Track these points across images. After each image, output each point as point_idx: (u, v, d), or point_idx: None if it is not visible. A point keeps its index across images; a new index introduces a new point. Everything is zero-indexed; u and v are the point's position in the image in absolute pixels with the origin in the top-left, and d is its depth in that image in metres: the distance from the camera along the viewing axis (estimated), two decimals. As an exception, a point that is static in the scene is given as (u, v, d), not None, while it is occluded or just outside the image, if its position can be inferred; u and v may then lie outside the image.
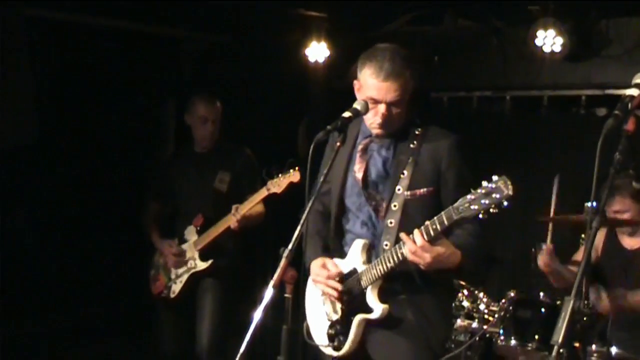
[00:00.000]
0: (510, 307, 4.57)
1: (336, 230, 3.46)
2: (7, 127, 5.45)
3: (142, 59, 6.56)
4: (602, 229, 4.66)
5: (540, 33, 5.67)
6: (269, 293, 2.90)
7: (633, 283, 4.54)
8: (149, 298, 5.20)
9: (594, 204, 2.47)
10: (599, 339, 4.27)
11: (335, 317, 3.35)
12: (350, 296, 3.31)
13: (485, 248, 3.38)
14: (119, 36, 6.35)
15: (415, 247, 3.03)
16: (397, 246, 3.13)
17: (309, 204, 3.06)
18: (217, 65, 6.95)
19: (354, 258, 3.32)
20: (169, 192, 5.22)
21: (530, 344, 4.43)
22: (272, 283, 2.91)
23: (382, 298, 3.23)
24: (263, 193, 4.77)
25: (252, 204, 4.84)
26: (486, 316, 4.78)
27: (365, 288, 3.25)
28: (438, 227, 3.01)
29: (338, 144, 3.19)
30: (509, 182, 2.86)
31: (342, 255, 3.41)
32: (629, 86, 2.60)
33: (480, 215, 2.89)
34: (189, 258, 5.04)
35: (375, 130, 3.30)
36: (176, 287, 5.07)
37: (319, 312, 3.44)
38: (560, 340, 2.31)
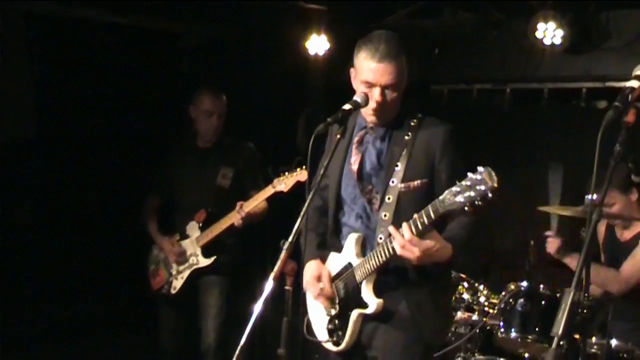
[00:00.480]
0: (510, 300, 4.56)
1: (333, 223, 3.46)
2: (6, 121, 5.46)
3: (141, 53, 6.55)
4: (604, 222, 4.66)
5: (541, 25, 5.66)
6: (269, 285, 2.90)
7: None
8: (150, 293, 5.21)
9: (594, 196, 2.46)
10: (599, 331, 4.28)
11: (333, 312, 3.36)
12: (346, 291, 3.31)
13: (478, 240, 3.34)
14: (117, 30, 6.34)
15: (403, 241, 3.02)
16: (387, 240, 3.13)
17: (309, 197, 3.06)
18: (216, 59, 6.94)
19: (349, 252, 3.33)
20: (169, 187, 5.21)
21: (530, 336, 4.43)
22: (272, 275, 2.91)
23: (377, 292, 3.23)
24: (269, 191, 4.76)
25: (258, 202, 4.83)
26: (486, 308, 4.78)
27: (360, 282, 3.25)
28: (425, 220, 2.99)
29: (338, 136, 3.18)
30: (493, 174, 2.84)
31: (339, 249, 3.41)
32: (629, 78, 2.59)
33: (466, 208, 2.86)
34: (191, 254, 5.03)
35: (370, 118, 3.27)
36: (177, 283, 5.06)
37: (319, 308, 3.44)
38: (560, 332, 2.31)
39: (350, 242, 3.32)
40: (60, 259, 6.24)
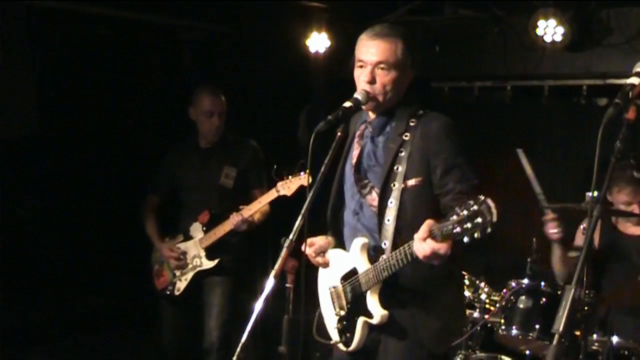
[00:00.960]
0: (512, 297, 4.57)
1: (332, 218, 3.46)
2: (8, 116, 5.45)
3: (143, 48, 6.56)
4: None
5: (541, 23, 5.66)
6: (270, 283, 2.90)
7: (634, 271, 4.55)
8: (152, 291, 5.20)
9: (595, 193, 2.47)
10: (600, 328, 4.28)
11: (342, 313, 3.35)
12: (353, 296, 3.29)
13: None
14: (119, 25, 6.34)
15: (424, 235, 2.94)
16: (397, 252, 3.07)
17: (310, 194, 3.05)
18: (217, 56, 6.94)
19: (355, 257, 3.28)
20: (170, 187, 5.20)
21: (531, 334, 4.43)
22: (273, 273, 2.92)
23: (382, 301, 3.20)
24: (272, 195, 4.75)
25: (261, 205, 4.83)
26: (487, 306, 4.79)
27: (365, 292, 3.22)
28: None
29: (339, 133, 3.18)
30: (493, 208, 2.78)
31: (339, 244, 3.41)
32: (630, 75, 2.59)
33: (466, 239, 2.82)
34: (194, 256, 5.02)
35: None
36: (181, 285, 5.05)
37: (329, 306, 3.43)
38: (561, 329, 2.32)
39: (356, 246, 3.27)
40: (62, 254, 6.25)
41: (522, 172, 5.84)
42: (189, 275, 5.03)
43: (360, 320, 3.26)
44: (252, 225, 4.94)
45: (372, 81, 3.20)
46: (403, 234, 3.15)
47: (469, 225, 2.80)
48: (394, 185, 3.19)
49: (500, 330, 4.56)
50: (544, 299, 4.48)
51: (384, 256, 3.16)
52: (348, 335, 3.31)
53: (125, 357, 6.12)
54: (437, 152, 3.17)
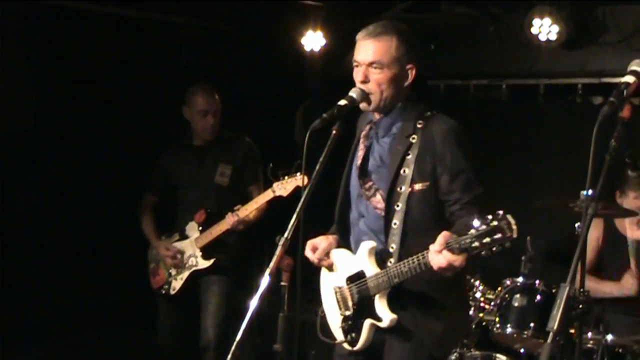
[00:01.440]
0: (506, 295, 4.57)
1: (340, 219, 3.44)
2: (5, 113, 5.45)
3: (140, 45, 6.54)
4: (598, 219, 4.67)
5: (537, 21, 5.65)
6: (265, 281, 2.90)
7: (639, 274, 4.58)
8: (149, 289, 5.20)
9: (590, 191, 2.47)
10: (594, 326, 4.28)
11: (347, 313, 3.34)
12: (360, 298, 3.28)
13: None
14: (116, 22, 6.33)
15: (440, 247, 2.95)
16: (420, 257, 3.05)
17: (305, 192, 3.04)
18: (214, 54, 6.93)
19: (362, 260, 3.27)
20: (166, 186, 5.19)
21: (526, 332, 4.44)
22: (268, 271, 2.92)
23: (390, 305, 3.20)
24: (269, 195, 4.74)
25: (257, 205, 4.82)
26: (482, 304, 4.78)
27: (374, 295, 3.21)
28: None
29: (334, 132, 3.16)
30: (513, 224, 2.81)
31: (345, 244, 3.39)
32: (625, 74, 2.59)
33: (483, 253, 2.84)
34: (190, 255, 5.02)
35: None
36: (177, 284, 5.05)
37: (333, 305, 3.43)
38: (555, 326, 2.32)
39: (364, 250, 3.26)
40: (59, 251, 6.24)
41: (520, 169, 5.86)
42: (185, 275, 5.03)
43: (367, 322, 3.25)
44: (248, 224, 4.93)
45: (365, 80, 3.20)
46: (410, 238, 3.16)
47: (487, 240, 2.82)
48: (401, 188, 3.18)
49: (495, 329, 4.56)
50: (538, 297, 4.48)
51: (392, 260, 3.17)
52: (353, 335, 3.31)
53: (124, 355, 6.11)
54: (444, 157, 3.16)
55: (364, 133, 3.38)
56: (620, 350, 4.28)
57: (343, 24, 6.21)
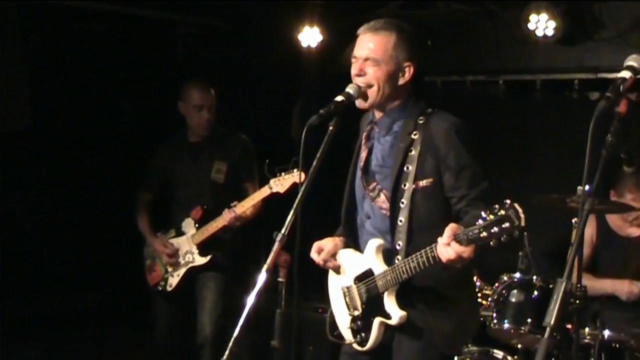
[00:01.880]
0: (504, 291, 4.58)
1: (346, 220, 3.43)
2: (1, 111, 5.43)
3: (136, 42, 6.54)
4: (591, 217, 4.67)
5: (533, 17, 5.65)
6: (262, 277, 2.90)
7: (632, 271, 4.57)
8: (146, 286, 5.19)
9: (587, 187, 2.47)
10: (591, 321, 4.29)
11: (356, 313, 3.33)
12: (368, 296, 3.27)
13: None
14: (112, 19, 6.32)
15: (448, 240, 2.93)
16: (427, 250, 3.04)
17: (302, 189, 3.04)
18: (210, 50, 6.93)
19: (369, 258, 3.26)
20: (162, 183, 5.18)
21: (523, 327, 4.44)
22: (265, 267, 2.91)
23: (400, 303, 3.18)
24: (266, 192, 4.74)
25: (254, 201, 4.82)
26: (480, 300, 4.79)
27: (382, 293, 3.20)
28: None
29: (331, 128, 3.14)
30: (520, 212, 2.78)
31: (352, 244, 3.39)
32: (621, 69, 2.60)
33: (492, 243, 2.83)
34: (187, 252, 5.02)
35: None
36: (173, 281, 5.05)
37: (341, 305, 3.42)
38: (552, 322, 2.32)
39: (371, 248, 3.25)
40: (55, 249, 6.24)
41: (517, 165, 5.86)
42: (182, 271, 5.02)
43: (377, 320, 3.24)
44: (245, 221, 4.93)
45: (360, 74, 3.19)
46: (416, 234, 3.15)
47: (496, 229, 2.80)
48: (405, 185, 3.17)
49: (492, 324, 4.56)
50: (535, 293, 4.48)
51: (399, 257, 3.16)
52: (363, 335, 3.29)
53: (123, 353, 6.12)
54: (447, 154, 3.15)
55: (365, 134, 3.37)
56: (617, 346, 4.28)
57: (340, 21, 6.21)
